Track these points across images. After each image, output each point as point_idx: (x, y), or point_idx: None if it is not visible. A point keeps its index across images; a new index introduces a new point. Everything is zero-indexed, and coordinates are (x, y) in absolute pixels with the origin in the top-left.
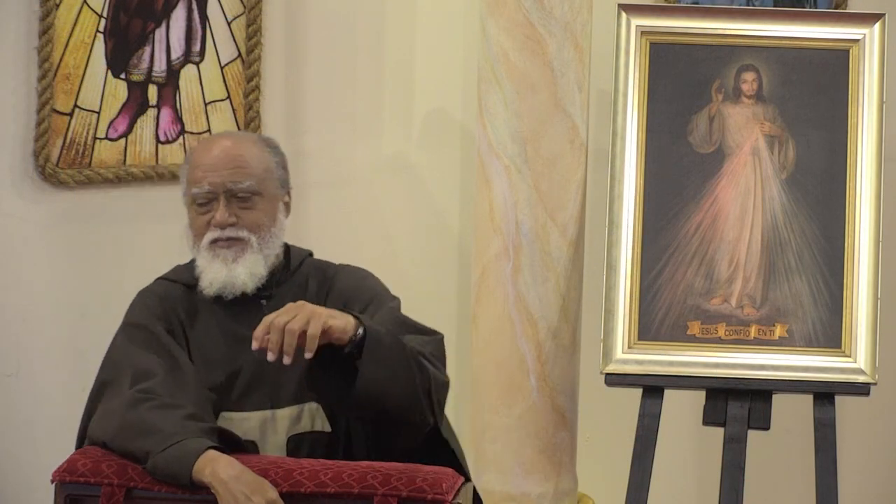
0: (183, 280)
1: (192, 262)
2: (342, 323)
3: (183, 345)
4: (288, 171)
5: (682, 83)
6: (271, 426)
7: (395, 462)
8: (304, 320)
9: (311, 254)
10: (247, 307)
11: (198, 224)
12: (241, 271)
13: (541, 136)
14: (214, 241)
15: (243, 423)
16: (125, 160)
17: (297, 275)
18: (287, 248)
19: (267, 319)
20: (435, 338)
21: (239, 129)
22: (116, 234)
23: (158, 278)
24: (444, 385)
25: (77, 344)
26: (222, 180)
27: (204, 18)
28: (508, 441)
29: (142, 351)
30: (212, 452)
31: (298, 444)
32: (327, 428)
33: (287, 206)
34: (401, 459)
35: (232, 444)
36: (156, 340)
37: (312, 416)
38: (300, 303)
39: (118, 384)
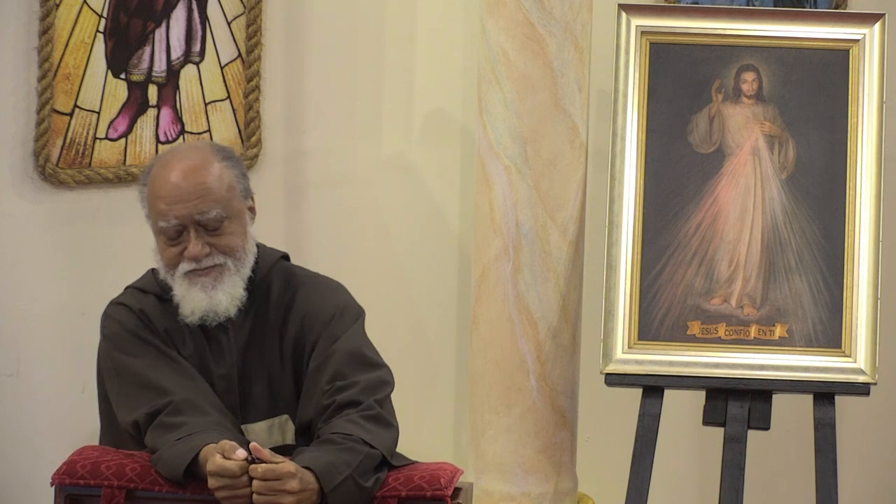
0: (155, 291)
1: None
2: None
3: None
4: (247, 177)
5: (682, 83)
6: (244, 441)
7: None
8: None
9: (285, 256)
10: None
11: (169, 255)
12: (223, 297)
13: (541, 136)
14: (191, 272)
15: None
16: (125, 160)
17: (260, 285)
18: (257, 253)
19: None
20: (376, 377)
21: (239, 129)
22: (116, 234)
23: (129, 287)
24: (394, 440)
25: (77, 344)
26: (189, 212)
27: (204, 18)
28: (508, 441)
29: (144, 360)
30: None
31: None
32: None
33: (252, 210)
34: None
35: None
36: (151, 346)
37: (283, 430)
38: (288, 484)
39: (133, 402)
